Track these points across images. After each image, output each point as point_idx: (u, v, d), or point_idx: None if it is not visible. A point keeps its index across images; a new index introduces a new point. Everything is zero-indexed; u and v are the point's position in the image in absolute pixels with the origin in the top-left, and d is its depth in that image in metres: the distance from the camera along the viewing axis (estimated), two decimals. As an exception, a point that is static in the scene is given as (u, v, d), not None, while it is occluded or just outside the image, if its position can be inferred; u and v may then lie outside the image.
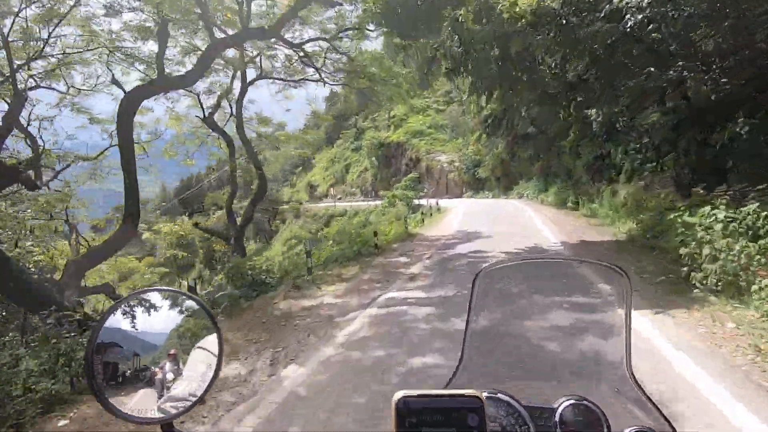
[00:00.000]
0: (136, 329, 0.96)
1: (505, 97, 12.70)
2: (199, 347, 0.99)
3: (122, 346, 0.93)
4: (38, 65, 10.65)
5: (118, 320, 0.93)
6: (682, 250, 5.75)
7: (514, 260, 1.30)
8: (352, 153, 70.93)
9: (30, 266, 9.85)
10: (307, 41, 14.07)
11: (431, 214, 21.07)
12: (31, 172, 9.98)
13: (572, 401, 0.91)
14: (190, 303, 1.04)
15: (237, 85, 16.02)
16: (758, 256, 4.77)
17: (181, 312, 1.03)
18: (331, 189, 72.13)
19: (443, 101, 57.02)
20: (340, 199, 67.54)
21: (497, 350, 1.14)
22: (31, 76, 10.71)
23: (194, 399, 0.92)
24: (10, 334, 5.82)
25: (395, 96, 16.73)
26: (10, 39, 9.03)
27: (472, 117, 32.96)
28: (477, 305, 1.06)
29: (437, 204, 25.32)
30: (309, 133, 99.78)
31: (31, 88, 10.87)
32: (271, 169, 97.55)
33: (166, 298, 1.03)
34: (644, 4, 7.64)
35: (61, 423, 3.52)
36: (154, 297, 1.02)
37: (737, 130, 8.66)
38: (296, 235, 49.70)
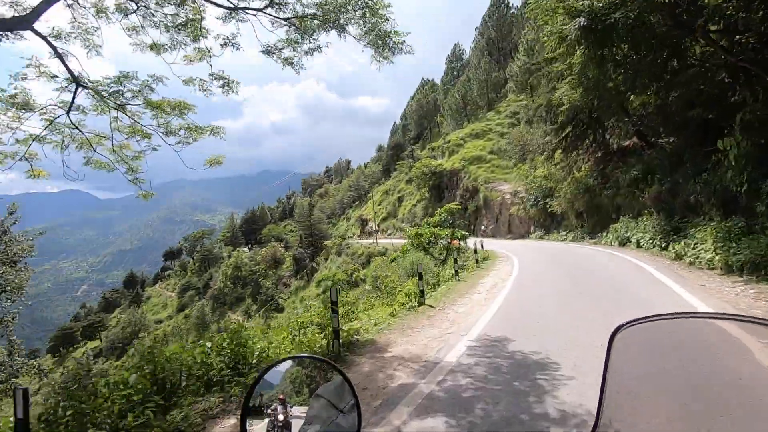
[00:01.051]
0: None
1: None
2: (318, 395, 1.18)
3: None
4: None
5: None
6: None
7: (657, 316, 1.00)
8: (405, 185, 63.00)
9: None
10: None
11: (457, 274, 11.43)
12: None
13: None
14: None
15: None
16: None
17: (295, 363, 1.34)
18: (381, 224, 64.50)
19: (508, 123, 47.10)
20: (389, 234, 59.49)
21: (643, 413, 0.99)
22: None
23: None
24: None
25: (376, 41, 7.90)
26: None
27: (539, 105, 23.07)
28: (615, 362, 0.96)
29: (481, 248, 15.59)
30: (371, 167, 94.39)
31: None
32: (328, 204, 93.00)
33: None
34: None
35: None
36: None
37: None
38: (329, 276, 41.80)
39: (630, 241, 15.14)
